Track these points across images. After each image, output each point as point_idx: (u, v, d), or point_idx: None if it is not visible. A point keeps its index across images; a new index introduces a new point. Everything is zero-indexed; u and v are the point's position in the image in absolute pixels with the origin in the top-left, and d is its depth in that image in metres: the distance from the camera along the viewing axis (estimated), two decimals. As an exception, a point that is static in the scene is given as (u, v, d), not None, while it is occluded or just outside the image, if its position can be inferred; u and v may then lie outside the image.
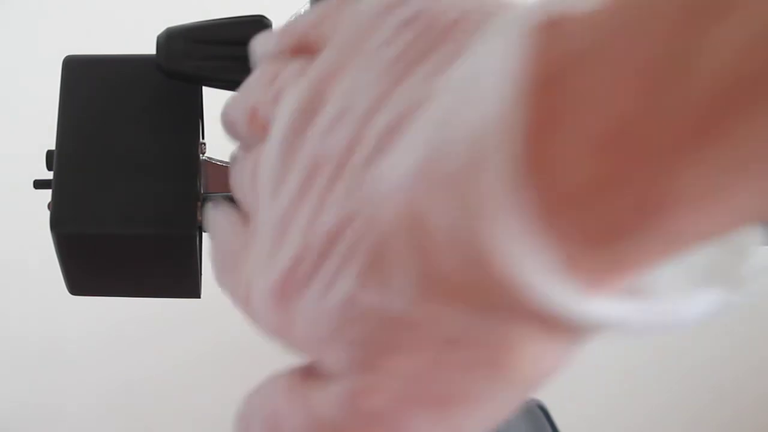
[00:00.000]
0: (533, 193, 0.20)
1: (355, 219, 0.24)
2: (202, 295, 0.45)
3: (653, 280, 0.23)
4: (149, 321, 1.16)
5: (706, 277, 0.23)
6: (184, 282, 0.44)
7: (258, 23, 0.42)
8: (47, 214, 0.42)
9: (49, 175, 0.43)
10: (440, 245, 0.22)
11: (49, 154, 0.43)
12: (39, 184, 0.44)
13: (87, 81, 0.44)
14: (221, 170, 0.47)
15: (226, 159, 0.47)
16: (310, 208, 0.25)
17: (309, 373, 0.27)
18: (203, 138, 0.46)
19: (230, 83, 0.42)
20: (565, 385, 1.21)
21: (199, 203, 0.43)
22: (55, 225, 0.41)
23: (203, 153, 0.46)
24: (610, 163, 0.20)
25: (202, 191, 0.44)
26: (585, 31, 0.21)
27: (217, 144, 0.48)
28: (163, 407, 1.17)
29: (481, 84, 0.21)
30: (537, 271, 0.21)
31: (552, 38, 0.21)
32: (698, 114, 0.19)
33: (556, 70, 0.21)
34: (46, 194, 0.43)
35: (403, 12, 0.25)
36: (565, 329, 0.23)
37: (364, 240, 0.24)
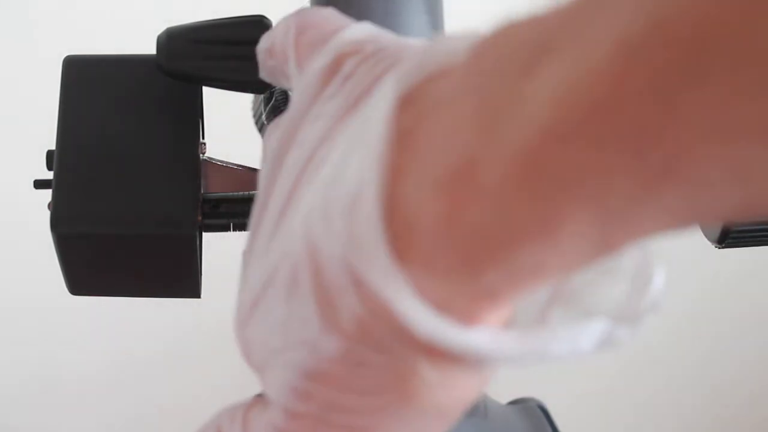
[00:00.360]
0: (393, 231, 0.23)
1: (288, 253, 0.26)
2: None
3: (550, 311, 0.25)
4: (157, 350, 1.16)
5: (600, 309, 0.24)
6: (184, 282, 0.44)
7: (258, 23, 0.42)
8: (47, 214, 0.42)
9: (49, 175, 0.43)
10: (330, 278, 0.24)
11: (49, 154, 0.43)
12: (39, 184, 0.44)
13: (87, 81, 0.44)
14: (221, 170, 0.47)
15: (226, 159, 0.47)
16: (264, 244, 0.28)
17: (257, 402, 0.29)
18: (203, 138, 0.46)
19: (230, 83, 0.42)
20: (566, 385, 1.20)
21: (199, 203, 0.43)
22: (55, 225, 0.41)
23: (203, 153, 0.46)
24: (450, 200, 0.22)
25: (202, 191, 0.44)
26: (441, 86, 0.24)
27: (217, 144, 0.48)
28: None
29: (363, 134, 0.24)
30: (407, 303, 0.22)
31: (415, 95, 0.24)
32: (519, 154, 0.21)
33: (413, 123, 0.23)
34: (46, 194, 0.43)
35: (347, 66, 0.28)
36: (454, 359, 0.24)
37: (287, 272, 0.26)
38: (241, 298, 0.29)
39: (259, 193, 0.29)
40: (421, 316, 0.22)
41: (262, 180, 0.29)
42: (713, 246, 0.48)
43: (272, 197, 0.28)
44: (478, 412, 0.51)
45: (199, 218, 0.43)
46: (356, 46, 0.28)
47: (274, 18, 0.42)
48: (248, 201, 0.45)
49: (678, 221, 0.21)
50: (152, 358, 1.16)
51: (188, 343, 1.15)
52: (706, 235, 0.48)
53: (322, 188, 0.25)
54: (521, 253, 0.21)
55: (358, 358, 0.24)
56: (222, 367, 1.13)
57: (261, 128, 0.48)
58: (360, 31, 0.29)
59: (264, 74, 0.34)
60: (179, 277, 0.44)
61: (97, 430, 1.17)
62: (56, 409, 1.17)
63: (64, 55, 0.45)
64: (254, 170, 0.48)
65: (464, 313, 0.23)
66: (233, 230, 0.45)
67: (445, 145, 0.22)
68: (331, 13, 0.31)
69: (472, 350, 0.23)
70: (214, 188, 0.46)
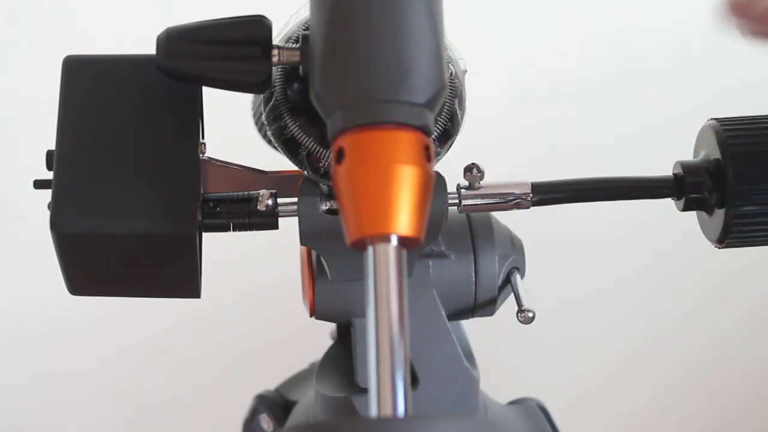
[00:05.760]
0: None
1: None
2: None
3: None
4: (156, 343, 1.16)
5: None
6: (183, 282, 0.44)
7: (258, 23, 0.42)
8: (47, 214, 0.42)
9: (49, 175, 0.43)
10: None
11: (49, 154, 0.43)
12: (39, 184, 0.44)
13: (87, 81, 0.44)
14: (221, 170, 0.47)
15: (226, 159, 0.47)
16: None
17: None
18: (203, 138, 0.46)
19: (230, 84, 0.42)
20: (566, 385, 1.20)
21: (199, 203, 0.43)
22: (55, 225, 0.41)
23: (203, 153, 0.46)
24: None
25: (202, 191, 0.44)
26: None
27: (217, 144, 0.48)
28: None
29: None
30: None
31: None
32: None
33: None
34: (46, 194, 0.42)
35: None
36: None
37: None
38: None
39: None
40: None
41: None
42: (713, 246, 0.48)
43: None
44: (478, 412, 0.51)
45: (199, 218, 0.43)
46: None
47: (274, 18, 0.42)
48: (248, 201, 0.45)
49: None
50: (152, 349, 1.16)
51: (186, 335, 1.14)
52: (706, 235, 0.48)
53: None
54: None
55: None
56: (219, 359, 1.13)
57: (261, 128, 0.48)
58: None
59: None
60: (179, 278, 0.44)
61: (97, 422, 1.17)
62: (55, 404, 1.17)
63: (64, 55, 0.44)
64: (254, 170, 0.48)
65: None
66: (233, 230, 0.45)
67: None
68: None
69: None
70: (214, 188, 0.46)
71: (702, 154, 0.47)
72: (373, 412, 0.33)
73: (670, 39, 1.12)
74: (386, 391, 0.33)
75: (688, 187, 0.47)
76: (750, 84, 1.08)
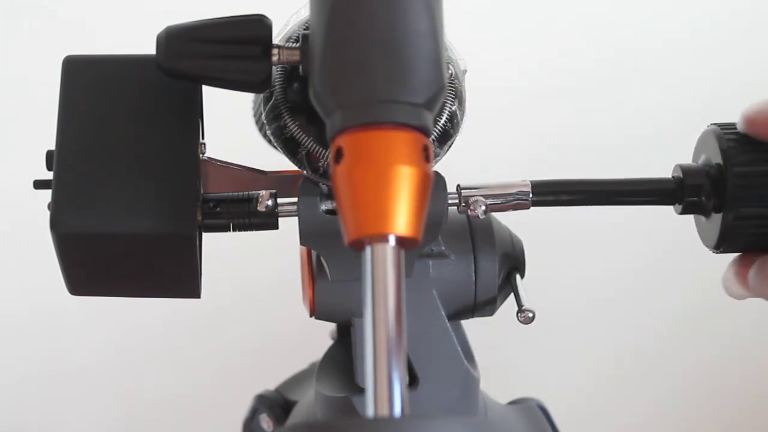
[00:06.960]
0: None
1: None
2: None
3: None
4: (156, 342, 1.16)
5: None
6: (183, 282, 0.44)
7: (258, 23, 0.42)
8: (47, 214, 0.42)
9: (49, 175, 0.43)
10: None
11: (49, 154, 0.43)
12: (39, 184, 0.44)
13: (87, 81, 0.44)
14: (221, 170, 0.47)
15: (226, 159, 0.47)
16: None
17: None
18: (203, 138, 0.46)
19: (230, 83, 0.42)
20: (566, 385, 1.19)
21: (199, 203, 0.43)
22: (55, 225, 0.41)
23: (203, 153, 0.46)
24: None
25: (202, 191, 0.44)
26: None
27: (217, 144, 0.48)
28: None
29: None
30: None
31: None
32: None
33: None
34: (46, 194, 0.42)
35: None
36: None
37: None
38: None
39: None
40: None
41: None
42: (711, 251, 0.48)
43: None
44: (478, 412, 0.51)
45: (199, 218, 0.43)
46: None
47: (274, 18, 0.42)
48: (248, 201, 0.45)
49: None
50: (152, 349, 1.16)
51: (186, 335, 1.14)
52: (703, 240, 0.48)
53: None
54: None
55: None
56: (219, 359, 1.13)
57: (261, 128, 0.48)
58: None
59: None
60: (179, 278, 0.44)
61: (97, 422, 1.17)
62: (55, 403, 1.17)
63: (64, 55, 0.44)
64: (254, 170, 0.48)
65: None
66: (233, 230, 0.45)
67: None
68: None
69: None
70: (214, 188, 0.46)
71: (702, 159, 0.47)
72: (370, 412, 0.33)
73: (671, 42, 1.12)
74: (383, 391, 0.33)
75: (687, 190, 0.47)
76: (751, 89, 1.08)
